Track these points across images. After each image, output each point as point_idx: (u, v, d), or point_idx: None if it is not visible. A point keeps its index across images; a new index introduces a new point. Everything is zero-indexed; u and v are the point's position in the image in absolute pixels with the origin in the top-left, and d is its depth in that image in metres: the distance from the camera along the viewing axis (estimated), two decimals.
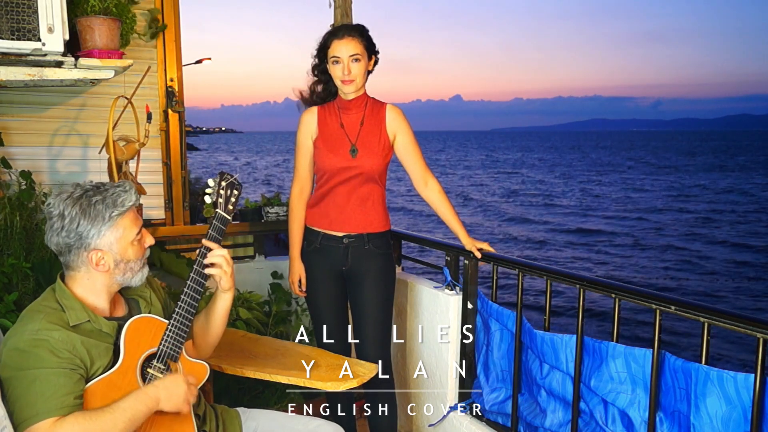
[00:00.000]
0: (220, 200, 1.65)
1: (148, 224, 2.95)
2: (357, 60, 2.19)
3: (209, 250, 1.61)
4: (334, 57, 2.20)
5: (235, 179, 1.69)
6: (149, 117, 2.43)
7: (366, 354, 2.31)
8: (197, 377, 1.62)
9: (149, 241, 1.59)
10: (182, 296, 1.58)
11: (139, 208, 1.62)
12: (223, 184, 1.66)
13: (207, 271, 1.61)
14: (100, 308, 1.53)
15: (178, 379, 1.49)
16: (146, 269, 1.59)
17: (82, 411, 1.37)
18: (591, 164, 51.41)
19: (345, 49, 2.19)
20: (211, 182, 1.66)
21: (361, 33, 2.22)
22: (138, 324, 1.52)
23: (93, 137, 2.84)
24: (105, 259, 1.48)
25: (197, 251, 1.62)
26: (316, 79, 2.33)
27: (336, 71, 2.21)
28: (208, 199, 1.66)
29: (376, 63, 2.30)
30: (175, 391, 1.47)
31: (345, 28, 2.23)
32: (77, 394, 1.38)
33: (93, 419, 1.34)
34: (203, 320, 1.75)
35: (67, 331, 1.42)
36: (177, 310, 1.57)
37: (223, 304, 1.70)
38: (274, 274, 2.97)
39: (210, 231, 1.63)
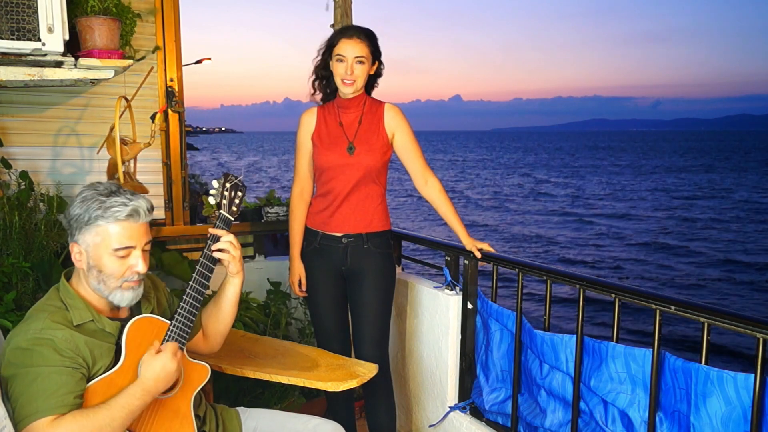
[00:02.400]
0: (224, 201, 1.66)
1: (153, 224, 2.95)
2: (361, 62, 2.20)
3: (216, 241, 1.63)
4: (339, 55, 2.21)
5: (240, 180, 1.69)
6: (153, 116, 2.43)
7: (364, 354, 2.31)
8: (198, 378, 1.62)
9: (138, 266, 1.49)
10: (184, 297, 1.58)
11: (151, 229, 1.59)
12: (228, 185, 1.66)
13: (216, 255, 1.62)
14: (100, 307, 1.53)
15: (164, 361, 1.46)
16: (129, 294, 1.51)
17: (79, 409, 1.37)
18: (559, 165, 51.49)
19: (352, 49, 2.20)
20: (215, 183, 1.67)
21: (369, 37, 2.24)
22: (140, 324, 1.52)
23: (93, 137, 2.85)
24: (81, 256, 1.48)
25: (201, 253, 1.63)
26: (315, 77, 2.34)
27: (339, 69, 2.22)
28: (212, 200, 1.66)
29: (379, 72, 2.32)
30: (164, 374, 1.45)
31: (355, 30, 2.25)
32: (78, 393, 1.38)
33: (90, 416, 1.35)
34: (213, 308, 1.76)
35: (70, 331, 1.42)
36: (179, 311, 1.57)
37: (233, 289, 1.72)
38: (269, 281, 2.97)
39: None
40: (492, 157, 67.90)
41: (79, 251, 1.48)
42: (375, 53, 2.26)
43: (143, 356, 1.48)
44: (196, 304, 1.60)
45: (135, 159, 2.49)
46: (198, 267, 1.61)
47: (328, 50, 2.26)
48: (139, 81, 2.58)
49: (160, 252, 2.83)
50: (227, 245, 1.63)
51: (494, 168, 49.41)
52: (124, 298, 1.51)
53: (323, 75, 2.31)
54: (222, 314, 1.74)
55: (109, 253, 1.46)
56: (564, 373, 2.02)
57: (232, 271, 1.69)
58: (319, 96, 2.38)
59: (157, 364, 1.45)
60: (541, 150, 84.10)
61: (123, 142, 2.40)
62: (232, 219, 1.67)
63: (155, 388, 1.45)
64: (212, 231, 1.64)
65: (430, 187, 2.37)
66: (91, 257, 1.47)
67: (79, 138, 2.85)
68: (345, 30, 2.26)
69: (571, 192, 30.86)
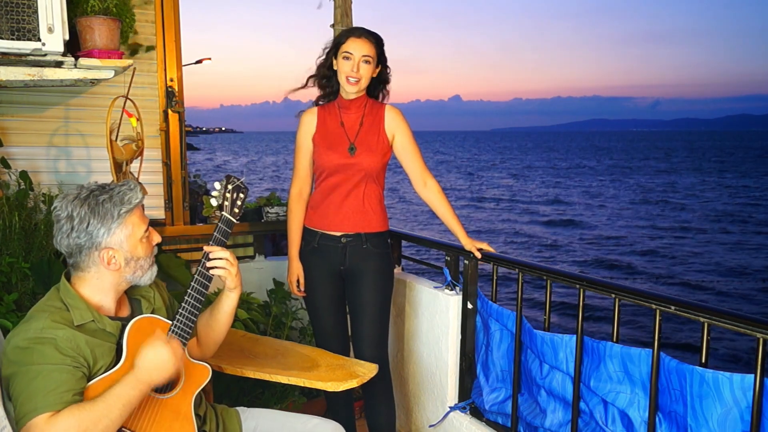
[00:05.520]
0: (226, 203, 1.66)
1: (153, 224, 2.95)
2: (367, 62, 2.21)
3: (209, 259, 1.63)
4: (346, 53, 2.22)
5: (242, 183, 1.69)
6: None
7: (363, 353, 2.31)
8: (200, 379, 1.62)
9: (156, 238, 1.59)
10: (186, 297, 1.58)
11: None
12: (230, 187, 1.67)
13: (212, 272, 1.63)
14: (105, 308, 1.53)
15: (160, 351, 1.44)
16: (155, 268, 1.59)
17: (76, 404, 1.36)
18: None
19: (359, 48, 2.21)
20: (217, 185, 1.67)
21: (377, 40, 2.25)
22: (141, 324, 1.52)
23: (93, 137, 2.85)
24: (116, 257, 1.49)
25: (203, 254, 1.63)
26: (317, 75, 2.34)
27: (344, 66, 2.23)
28: (214, 202, 1.67)
29: (386, 78, 2.33)
30: (162, 365, 1.43)
31: (364, 30, 2.27)
32: (77, 391, 1.38)
33: (86, 409, 1.34)
34: (208, 317, 1.76)
35: (71, 330, 1.42)
36: (180, 311, 1.58)
37: (229, 302, 1.72)
38: (274, 281, 2.97)
39: (215, 233, 1.65)
40: (463, 157, 67.68)
41: (112, 254, 1.49)
42: (380, 56, 2.27)
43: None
44: (198, 305, 1.60)
45: (141, 160, 2.48)
46: (195, 275, 1.61)
47: (335, 48, 2.26)
48: (140, 81, 2.59)
49: (158, 253, 2.82)
50: (222, 263, 1.63)
51: (452, 169, 49.00)
52: (154, 272, 1.59)
53: (325, 74, 2.32)
54: (217, 324, 1.75)
55: (140, 237, 1.52)
56: (564, 373, 2.02)
57: (230, 286, 1.69)
58: (305, 91, 2.38)
59: (149, 351, 1.43)
60: (523, 150, 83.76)
61: (132, 141, 2.40)
62: (235, 221, 1.67)
63: (149, 377, 1.42)
64: (206, 249, 1.63)
65: (429, 189, 2.37)
66: (127, 251, 1.50)
67: (79, 138, 2.85)
68: (354, 29, 2.28)
69: (511, 195, 30.21)
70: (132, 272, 1.53)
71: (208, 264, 1.62)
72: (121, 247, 1.49)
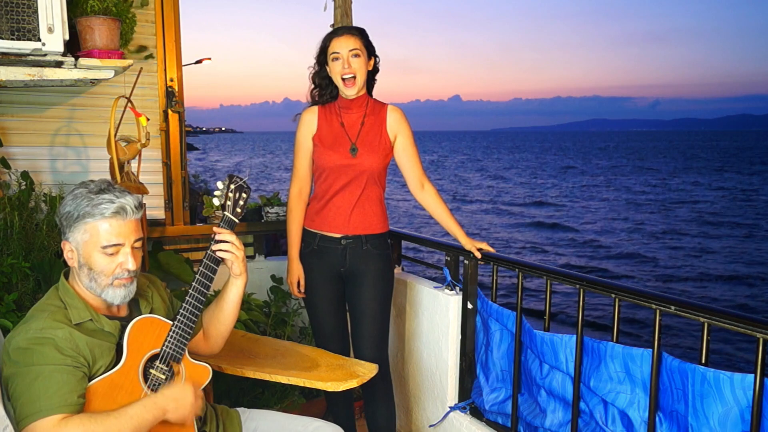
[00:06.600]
0: (229, 203, 1.66)
1: (153, 224, 2.94)
2: (356, 55, 2.20)
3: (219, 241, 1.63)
4: (334, 53, 2.21)
5: (244, 182, 1.69)
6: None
7: (363, 354, 2.31)
8: (200, 379, 1.62)
9: (128, 263, 1.48)
10: (187, 298, 1.58)
11: (143, 221, 1.61)
12: (232, 186, 1.66)
13: (218, 254, 1.62)
14: (98, 306, 1.53)
15: (187, 390, 1.50)
16: (121, 291, 1.50)
17: (88, 413, 1.37)
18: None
19: (344, 44, 2.20)
20: (220, 185, 1.67)
21: (360, 32, 2.25)
22: (142, 324, 1.52)
23: (93, 137, 2.85)
24: (73, 254, 1.49)
25: (205, 254, 1.63)
26: (313, 85, 2.33)
27: (336, 67, 2.22)
28: (216, 201, 1.67)
29: (376, 67, 2.32)
30: (183, 402, 1.48)
31: (344, 28, 2.26)
32: (80, 392, 1.38)
33: (98, 422, 1.34)
34: (214, 309, 1.75)
35: (70, 329, 1.42)
36: (181, 311, 1.57)
37: (235, 290, 1.72)
38: (273, 277, 2.97)
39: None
40: (455, 157, 67.59)
41: (71, 249, 1.49)
42: (368, 48, 2.26)
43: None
44: (199, 305, 1.59)
45: (139, 159, 2.49)
46: (200, 267, 1.61)
47: (323, 54, 2.26)
48: (140, 80, 2.58)
49: (159, 252, 2.83)
50: (228, 245, 1.63)
51: (438, 169, 48.90)
52: (117, 295, 1.50)
53: (321, 83, 2.31)
54: (224, 315, 1.74)
55: (98, 250, 1.47)
56: (564, 373, 2.02)
57: (236, 272, 1.69)
58: (305, 92, 2.38)
59: (177, 387, 1.49)
60: (520, 150, 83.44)
61: (129, 141, 2.40)
62: (236, 220, 1.67)
63: (166, 405, 1.45)
64: (216, 230, 1.64)
65: (426, 192, 2.37)
66: (81, 255, 1.48)
67: (79, 138, 2.85)
68: (335, 31, 2.27)
69: (496, 197, 29.82)
70: (88, 280, 1.49)
71: (214, 247, 1.62)
72: (76, 249, 1.48)
